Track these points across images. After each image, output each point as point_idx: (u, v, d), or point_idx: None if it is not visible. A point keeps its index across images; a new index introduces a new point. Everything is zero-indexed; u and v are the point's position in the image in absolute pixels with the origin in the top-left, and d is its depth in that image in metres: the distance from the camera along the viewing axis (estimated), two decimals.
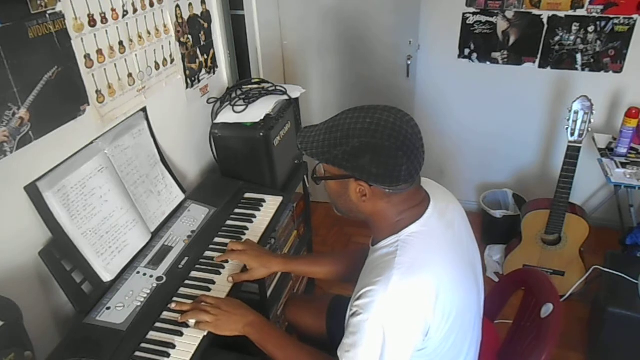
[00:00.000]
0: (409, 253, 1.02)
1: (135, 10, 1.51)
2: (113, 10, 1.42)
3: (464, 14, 2.55)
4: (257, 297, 1.76)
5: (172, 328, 1.27)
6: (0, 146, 1.11)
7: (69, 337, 1.24)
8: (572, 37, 2.44)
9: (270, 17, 2.62)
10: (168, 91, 1.74)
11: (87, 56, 1.34)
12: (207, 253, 1.55)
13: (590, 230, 2.21)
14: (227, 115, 1.84)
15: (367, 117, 1.00)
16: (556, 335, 1.23)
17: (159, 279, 1.41)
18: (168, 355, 1.20)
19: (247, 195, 1.84)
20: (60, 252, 1.26)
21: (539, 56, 2.53)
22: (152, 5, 1.59)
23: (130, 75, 1.53)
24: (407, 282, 0.98)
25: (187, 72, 1.83)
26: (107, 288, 1.35)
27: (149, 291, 1.36)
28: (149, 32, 1.59)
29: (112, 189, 1.42)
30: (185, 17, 1.78)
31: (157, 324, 1.28)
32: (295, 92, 2.00)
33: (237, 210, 1.76)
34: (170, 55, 1.72)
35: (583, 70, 2.50)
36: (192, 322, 1.27)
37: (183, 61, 1.80)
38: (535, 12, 2.43)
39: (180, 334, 1.25)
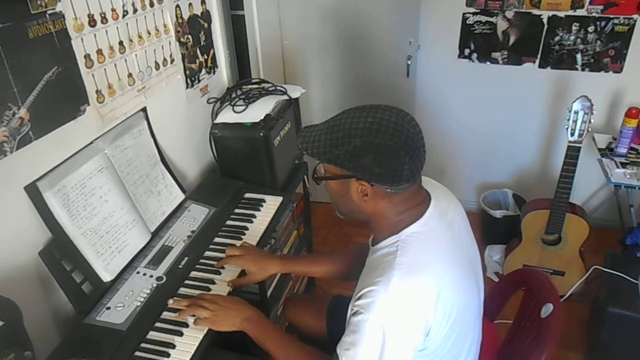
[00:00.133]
0: (409, 253, 1.02)
1: (135, 10, 1.51)
2: (113, 10, 1.42)
3: (464, 14, 2.55)
4: (257, 297, 1.76)
5: (172, 328, 1.27)
6: (0, 146, 1.11)
7: (69, 337, 1.24)
8: (572, 37, 2.44)
9: (270, 17, 2.62)
10: (168, 91, 1.74)
11: (87, 56, 1.34)
12: (207, 253, 1.55)
13: (590, 230, 2.21)
14: (227, 115, 1.84)
15: (368, 117, 1.00)
16: (556, 335, 1.23)
17: (159, 279, 1.41)
18: (168, 355, 1.20)
19: (247, 195, 1.84)
20: (60, 252, 1.26)
21: (539, 56, 2.53)
22: (152, 5, 1.59)
23: (130, 75, 1.53)
24: (408, 283, 0.98)
25: (187, 72, 1.83)
26: (107, 288, 1.35)
27: (149, 291, 1.36)
28: (149, 32, 1.59)
29: (112, 189, 1.42)
30: (185, 17, 1.78)
31: (157, 324, 1.28)
32: (295, 92, 2.00)
33: (237, 210, 1.76)
34: (170, 55, 1.72)
35: (583, 70, 2.50)
36: (191, 320, 1.27)
37: (183, 61, 1.80)
38: (535, 12, 2.43)
39: (180, 334, 1.25)
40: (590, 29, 2.39)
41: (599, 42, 2.41)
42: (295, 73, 2.80)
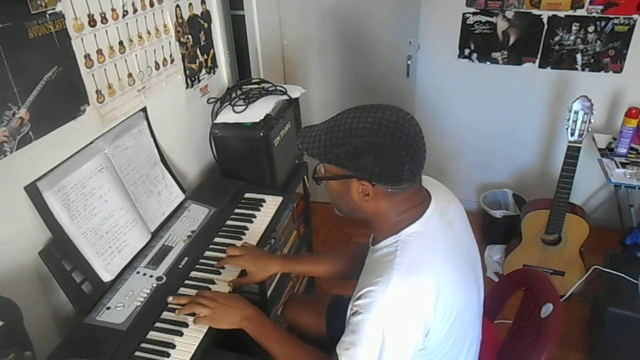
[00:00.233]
0: (408, 253, 1.02)
1: (135, 10, 1.51)
2: (113, 10, 1.42)
3: (464, 14, 2.55)
4: (257, 297, 1.76)
5: (172, 328, 1.27)
6: (0, 146, 1.11)
7: (69, 337, 1.24)
8: (572, 37, 2.44)
9: (270, 17, 2.62)
10: (168, 91, 1.74)
11: (87, 56, 1.34)
12: (207, 253, 1.55)
13: (590, 230, 2.21)
14: (227, 115, 1.84)
15: (368, 117, 1.00)
16: (556, 335, 1.23)
17: (159, 278, 1.41)
18: (168, 355, 1.20)
19: (247, 195, 1.84)
20: (60, 252, 1.26)
21: (539, 56, 2.53)
22: (152, 5, 1.59)
23: (130, 75, 1.53)
24: (407, 283, 0.98)
25: (187, 72, 1.83)
26: (107, 288, 1.35)
27: (149, 291, 1.36)
28: (149, 32, 1.59)
29: (112, 189, 1.42)
30: (185, 17, 1.78)
31: (157, 324, 1.28)
32: (295, 92, 2.00)
33: (237, 210, 1.76)
34: (170, 55, 1.72)
35: (583, 70, 2.50)
36: (191, 319, 1.27)
37: (183, 61, 1.80)
38: (535, 12, 2.43)
39: (180, 334, 1.25)
40: (590, 29, 2.39)
41: (599, 42, 2.41)
42: (295, 73, 2.80)
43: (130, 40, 1.51)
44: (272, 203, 1.80)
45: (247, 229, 1.68)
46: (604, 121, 2.57)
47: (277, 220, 1.80)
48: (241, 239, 1.62)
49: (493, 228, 2.71)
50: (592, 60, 2.46)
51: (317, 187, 1.16)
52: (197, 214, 1.67)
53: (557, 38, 2.46)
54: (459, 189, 2.80)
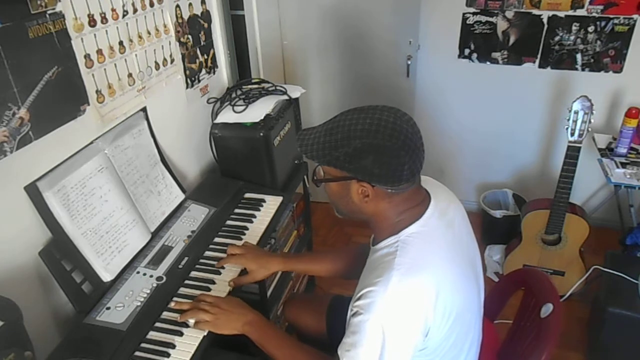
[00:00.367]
0: (408, 253, 1.02)
1: (135, 10, 1.51)
2: (113, 10, 1.42)
3: (464, 14, 2.55)
4: (257, 297, 1.76)
5: (172, 328, 1.27)
6: (0, 146, 1.11)
7: (69, 337, 1.24)
8: (572, 37, 2.44)
9: (270, 17, 2.62)
10: (168, 91, 1.74)
11: (87, 56, 1.34)
12: (207, 253, 1.55)
13: (590, 230, 2.21)
14: (227, 115, 1.84)
15: (367, 118, 1.00)
16: (556, 335, 1.23)
17: (159, 278, 1.41)
18: (168, 355, 1.20)
19: (247, 195, 1.84)
20: (60, 252, 1.26)
21: (539, 56, 2.53)
22: (152, 5, 1.59)
23: (130, 75, 1.53)
24: (407, 283, 0.99)
25: (187, 72, 1.83)
26: (107, 288, 1.35)
27: (149, 291, 1.36)
28: (149, 32, 1.59)
29: (112, 189, 1.42)
30: (185, 17, 1.78)
31: (157, 324, 1.28)
32: (295, 92, 2.00)
33: (237, 210, 1.76)
34: (170, 55, 1.72)
35: (583, 70, 2.50)
36: (191, 321, 1.27)
37: (183, 61, 1.80)
38: (535, 12, 2.43)
39: (180, 334, 1.25)
40: (590, 29, 2.39)
41: (599, 42, 2.41)
42: (295, 73, 2.80)
43: (130, 40, 1.51)
44: (272, 203, 1.80)
45: (247, 229, 1.68)
46: (604, 121, 2.57)
47: (277, 220, 1.80)
48: (241, 239, 1.62)
49: (493, 228, 2.71)
50: (592, 60, 2.46)
51: (316, 187, 1.16)
52: (197, 214, 1.67)
53: (557, 38, 2.46)
54: (459, 189, 2.80)
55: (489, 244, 2.70)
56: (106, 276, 1.35)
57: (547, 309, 1.30)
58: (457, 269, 1.07)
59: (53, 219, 1.25)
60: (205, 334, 1.25)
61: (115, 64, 1.45)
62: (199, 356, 1.22)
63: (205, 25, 1.92)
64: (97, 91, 1.39)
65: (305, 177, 2.18)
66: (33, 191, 1.21)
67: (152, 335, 1.25)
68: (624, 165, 2.23)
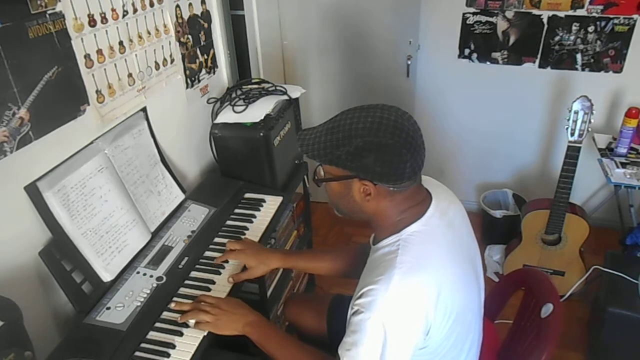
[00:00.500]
0: (410, 252, 1.02)
1: (135, 10, 1.51)
2: (113, 10, 1.42)
3: (464, 14, 2.55)
4: (257, 297, 1.76)
5: (172, 328, 1.27)
6: (0, 146, 1.11)
7: (69, 337, 1.24)
8: (572, 37, 2.44)
9: (270, 17, 2.62)
10: (168, 91, 1.74)
11: (87, 56, 1.34)
12: (207, 253, 1.55)
13: (590, 230, 2.21)
14: (227, 115, 1.84)
15: (367, 117, 1.00)
16: (556, 335, 1.23)
17: (159, 279, 1.41)
18: (168, 355, 1.20)
19: (247, 195, 1.84)
20: (60, 252, 1.26)
21: (539, 56, 2.53)
22: (152, 5, 1.59)
23: (130, 75, 1.53)
24: (408, 282, 0.99)
25: (187, 72, 1.83)
26: (107, 288, 1.35)
27: (149, 291, 1.36)
28: (149, 32, 1.59)
29: (112, 189, 1.42)
30: (185, 17, 1.78)
31: (157, 324, 1.28)
32: (295, 92, 2.00)
33: (237, 210, 1.76)
34: (170, 55, 1.72)
35: (583, 70, 2.50)
36: (192, 322, 1.27)
37: (183, 61, 1.80)
38: (535, 12, 2.43)
39: (180, 334, 1.25)
40: (590, 29, 2.39)
41: (599, 42, 2.41)
42: (295, 73, 2.80)
43: (130, 40, 1.51)
44: (272, 203, 1.80)
45: (247, 229, 1.68)
46: (604, 121, 2.57)
47: (277, 220, 1.80)
48: (241, 239, 1.61)
49: (493, 228, 2.71)
50: (592, 60, 2.46)
51: (317, 187, 1.16)
52: (197, 214, 1.67)
53: (557, 38, 2.46)
54: (459, 189, 2.79)
55: (489, 244, 2.70)
56: (106, 276, 1.35)
57: (547, 309, 1.30)
58: (457, 268, 1.07)
59: (53, 219, 1.25)
60: (205, 334, 1.25)
61: (115, 64, 1.45)
62: (199, 356, 1.21)
63: (205, 25, 1.92)
64: (97, 91, 1.39)
65: (305, 177, 2.18)
66: (33, 191, 1.21)
67: (152, 335, 1.25)
68: (624, 165, 2.23)
